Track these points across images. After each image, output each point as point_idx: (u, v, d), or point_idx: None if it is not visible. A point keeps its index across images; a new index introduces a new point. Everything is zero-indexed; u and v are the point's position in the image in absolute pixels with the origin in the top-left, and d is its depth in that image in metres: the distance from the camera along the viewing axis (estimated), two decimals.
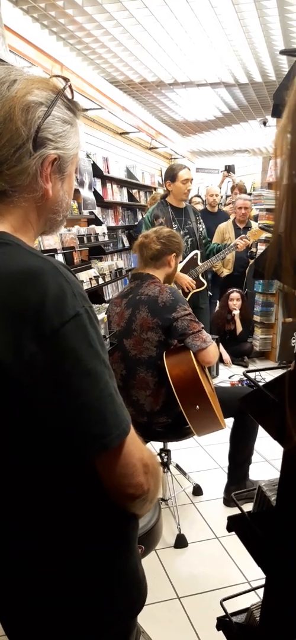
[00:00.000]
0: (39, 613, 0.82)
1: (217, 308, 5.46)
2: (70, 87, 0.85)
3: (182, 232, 3.70)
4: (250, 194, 6.52)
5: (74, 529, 0.80)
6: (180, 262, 3.68)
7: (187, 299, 3.60)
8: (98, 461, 0.75)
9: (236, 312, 5.05)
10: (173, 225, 3.70)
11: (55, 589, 0.81)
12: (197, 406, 2.14)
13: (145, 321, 2.23)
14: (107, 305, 2.92)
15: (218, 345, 4.99)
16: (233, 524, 1.03)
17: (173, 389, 2.14)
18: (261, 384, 0.89)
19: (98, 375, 0.72)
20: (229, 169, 7.67)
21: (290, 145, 0.35)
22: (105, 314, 2.44)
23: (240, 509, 1.03)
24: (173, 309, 2.19)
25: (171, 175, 3.72)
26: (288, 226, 0.35)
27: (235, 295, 5.09)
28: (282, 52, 4.03)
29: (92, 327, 0.73)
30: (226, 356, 5.05)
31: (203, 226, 4.00)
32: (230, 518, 1.04)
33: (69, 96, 0.85)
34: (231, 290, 5.13)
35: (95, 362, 0.72)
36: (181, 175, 3.68)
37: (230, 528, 1.04)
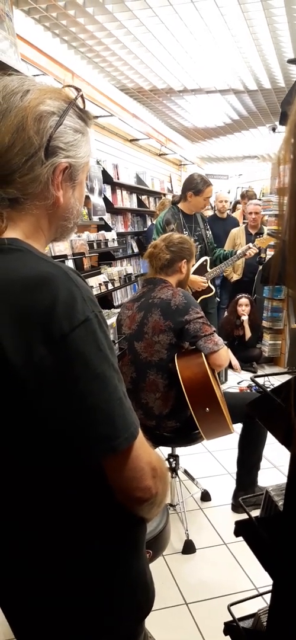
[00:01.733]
0: (40, 612, 0.83)
1: (225, 314, 5.46)
2: (82, 96, 0.87)
3: (192, 239, 3.70)
4: (259, 200, 6.50)
5: (75, 530, 0.81)
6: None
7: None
8: (106, 464, 0.75)
9: (245, 318, 5.04)
10: (184, 232, 3.71)
11: (55, 589, 0.82)
12: (207, 409, 2.15)
13: (157, 324, 2.24)
14: (116, 310, 2.93)
15: None
16: (240, 529, 1.03)
17: (184, 390, 2.15)
18: (269, 389, 0.90)
19: (107, 379, 0.73)
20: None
21: (292, 156, 0.36)
22: (117, 318, 2.47)
23: (248, 513, 1.04)
24: (185, 311, 2.21)
25: (196, 188, 3.68)
26: (292, 232, 0.36)
27: (243, 300, 5.08)
28: (290, 62, 4.03)
29: (101, 331, 0.74)
30: (235, 362, 5.03)
31: (210, 232, 4.01)
32: (237, 523, 1.04)
33: (81, 106, 0.87)
34: (240, 295, 5.12)
35: (104, 366, 0.73)
36: (206, 193, 3.68)
37: (237, 533, 1.04)
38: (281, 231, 0.41)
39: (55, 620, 0.83)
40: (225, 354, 2.24)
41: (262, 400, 0.91)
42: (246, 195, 6.47)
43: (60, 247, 3.23)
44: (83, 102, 0.88)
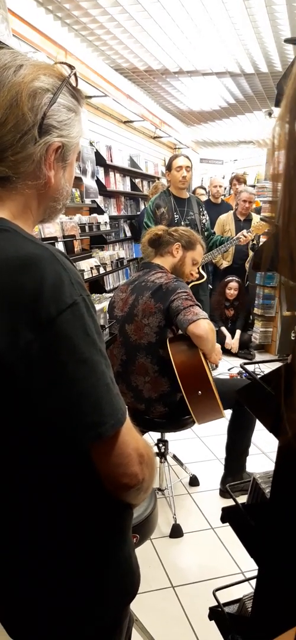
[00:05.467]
0: (29, 604, 0.83)
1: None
2: (75, 74, 0.84)
3: (183, 223, 3.67)
4: (253, 186, 6.47)
5: (65, 518, 0.80)
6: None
7: None
8: (93, 450, 0.74)
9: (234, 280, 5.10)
10: (175, 216, 3.68)
11: (45, 580, 0.81)
12: (199, 392, 2.15)
13: (147, 306, 2.24)
14: (107, 295, 2.91)
15: (222, 332, 5.15)
16: (227, 515, 1.03)
17: (177, 374, 2.14)
18: (259, 377, 0.89)
19: (95, 365, 0.72)
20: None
21: (288, 136, 0.34)
22: (110, 300, 2.46)
23: (234, 500, 1.04)
24: (173, 291, 2.20)
25: (168, 165, 3.75)
26: (286, 217, 0.35)
27: (233, 284, 5.11)
28: (286, 41, 3.98)
29: (89, 316, 0.73)
30: (231, 341, 5.09)
31: (207, 218, 3.97)
32: (224, 509, 1.04)
33: (74, 84, 0.84)
34: (230, 278, 5.14)
35: (91, 351, 0.72)
36: (175, 163, 3.68)
37: (224, 519, 1.04)
38: (275, 217, 0.40)
39: (45, 611, 0.82)
40: (206, 324, 2.13)
41: (251, 388, 0.91)
42: (235, 178, 6.38)
43: (51, 229, 3.19)
44: (76, 80, 0.85)
